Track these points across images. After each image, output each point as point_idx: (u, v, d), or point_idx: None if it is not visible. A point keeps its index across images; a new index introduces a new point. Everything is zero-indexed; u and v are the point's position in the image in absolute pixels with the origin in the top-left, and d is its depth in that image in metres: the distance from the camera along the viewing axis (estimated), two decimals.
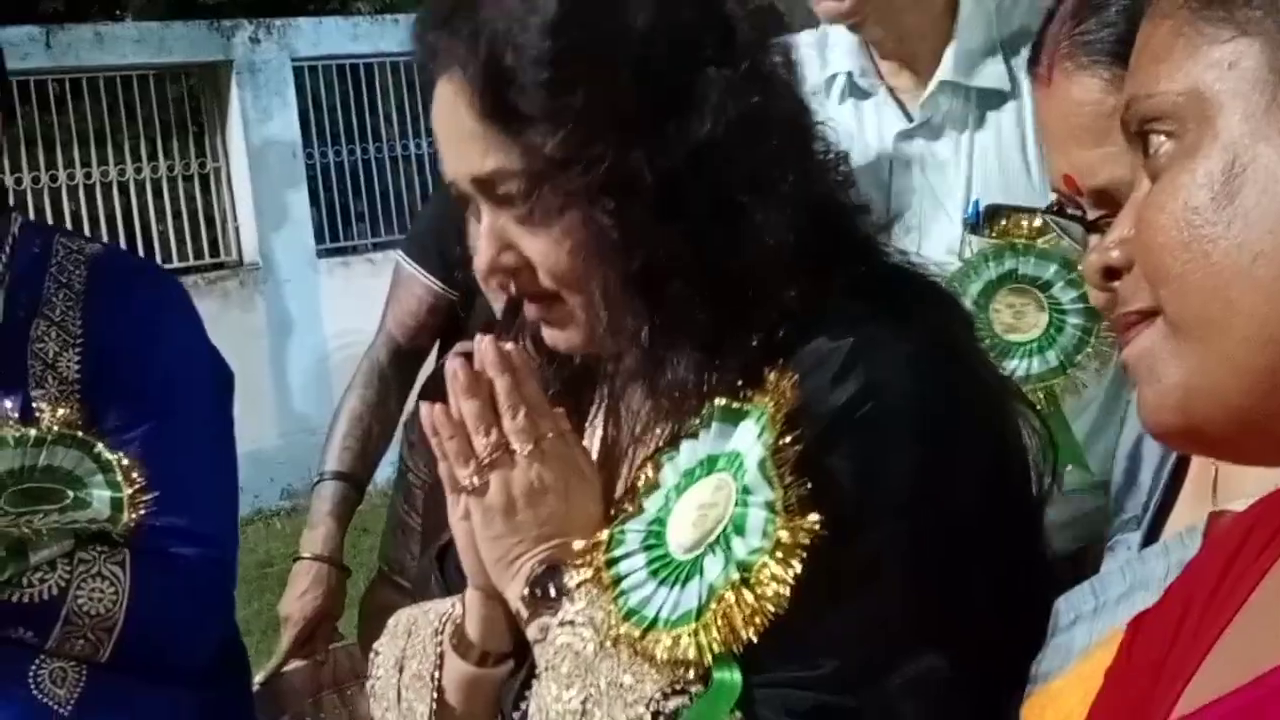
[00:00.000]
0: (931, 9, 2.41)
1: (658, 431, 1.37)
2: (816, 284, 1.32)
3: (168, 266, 9.12)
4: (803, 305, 1.31)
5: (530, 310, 1.39)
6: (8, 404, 1.88)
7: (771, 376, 1.26)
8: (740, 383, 1.29)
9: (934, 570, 1.26)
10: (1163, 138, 0.82)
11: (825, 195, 1.38)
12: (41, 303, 1.94)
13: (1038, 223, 1.90)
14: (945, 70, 2.38)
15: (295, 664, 2.81)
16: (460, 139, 1.35)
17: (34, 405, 1.88)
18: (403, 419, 2.97)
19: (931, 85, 2.40)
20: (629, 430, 1.44)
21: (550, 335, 1.39)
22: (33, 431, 1.84)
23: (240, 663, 2.20)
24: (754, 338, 1.31)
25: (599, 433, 1.49)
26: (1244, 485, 1.16)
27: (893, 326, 1.31)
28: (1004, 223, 1.94)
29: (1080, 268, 1.17)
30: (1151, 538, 1.29)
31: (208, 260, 9.56)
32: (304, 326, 9.58)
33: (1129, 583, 1.23)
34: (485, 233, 1.36)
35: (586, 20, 1.30)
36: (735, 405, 1.28)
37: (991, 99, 2.39)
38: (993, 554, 1.29)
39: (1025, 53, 2.32)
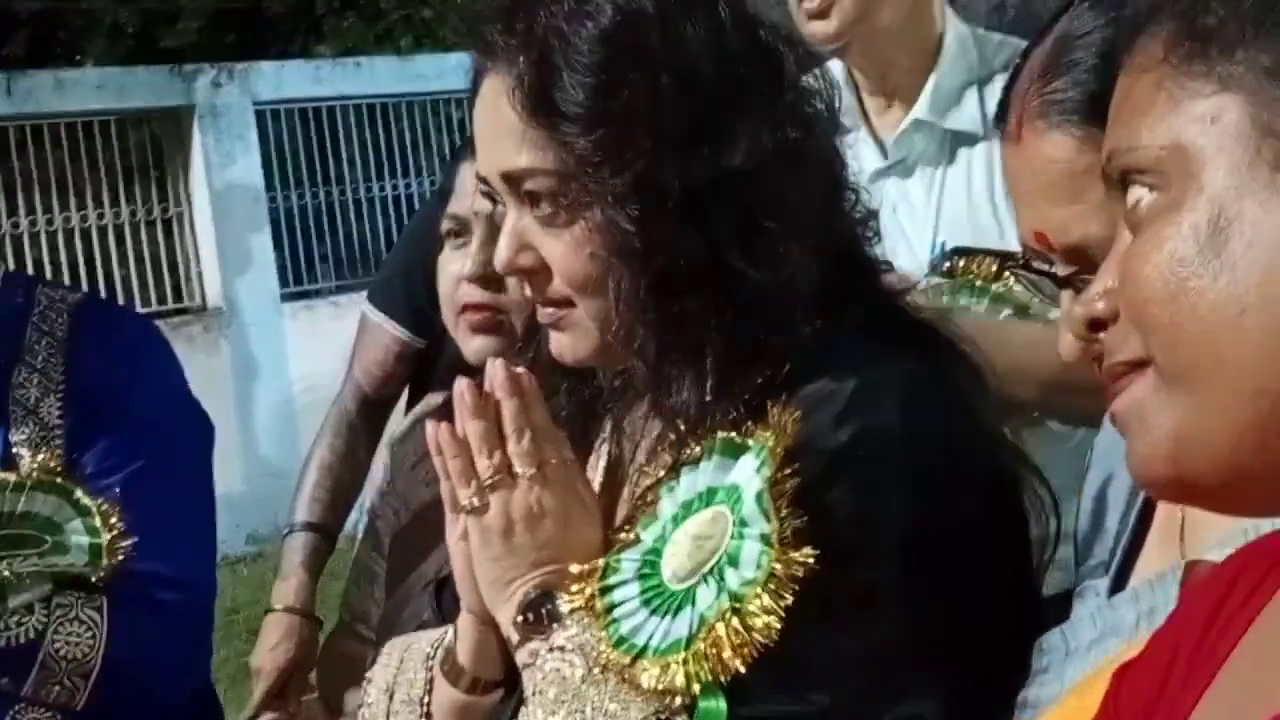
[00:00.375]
0: (918, 43, 2.43)
1: (661, 459, 1.38)
2: (827, 323, 1.34)
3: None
4: (812, 342, 1.33)
5: (543, 314, 1.40)
6: None
7: (774, 411, 1.28)
8: (743, 415, 1.30)
9: (925, 611, 1.27)
10: (1145, 190, 0.83)
11: (848, 241, 1.40)
12: (24, 350, 1.94)
13: (994, 267, 1.91)
14: (920, 109, 2.41)
15: (267, 716, 2.79)
16: (499, 134, 1.37)
17: (14, 450, 1.89)
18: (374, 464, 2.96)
19: (905, 123, 2.43)
20: (633, 455, 1.45)
21: (559, 342, 1.40)
22: (12, 477, 1.85)
23: (214, 711, 2.19)
24: (761, 369, 1.32)
25: (603, 460, 1.50)
26: (1211, 532, 1.17)
27: (898, 372, 1.33)
28: (962, 263, 1.95)
29: (1055, 316, 1.17)
30: (1119, 583, 1.30)
31: (171, 305, 9.53)
32: (268, 370, 9.56)
33: (1100, 629, 1.24)
34: (507, 231, 1.39)
35: (639, 32, 1.33)
36: (737, 438, 1.29)
37: (964, 139, 2.42)
38: (984, 597, 1.30)
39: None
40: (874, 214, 1.45)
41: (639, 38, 1.33)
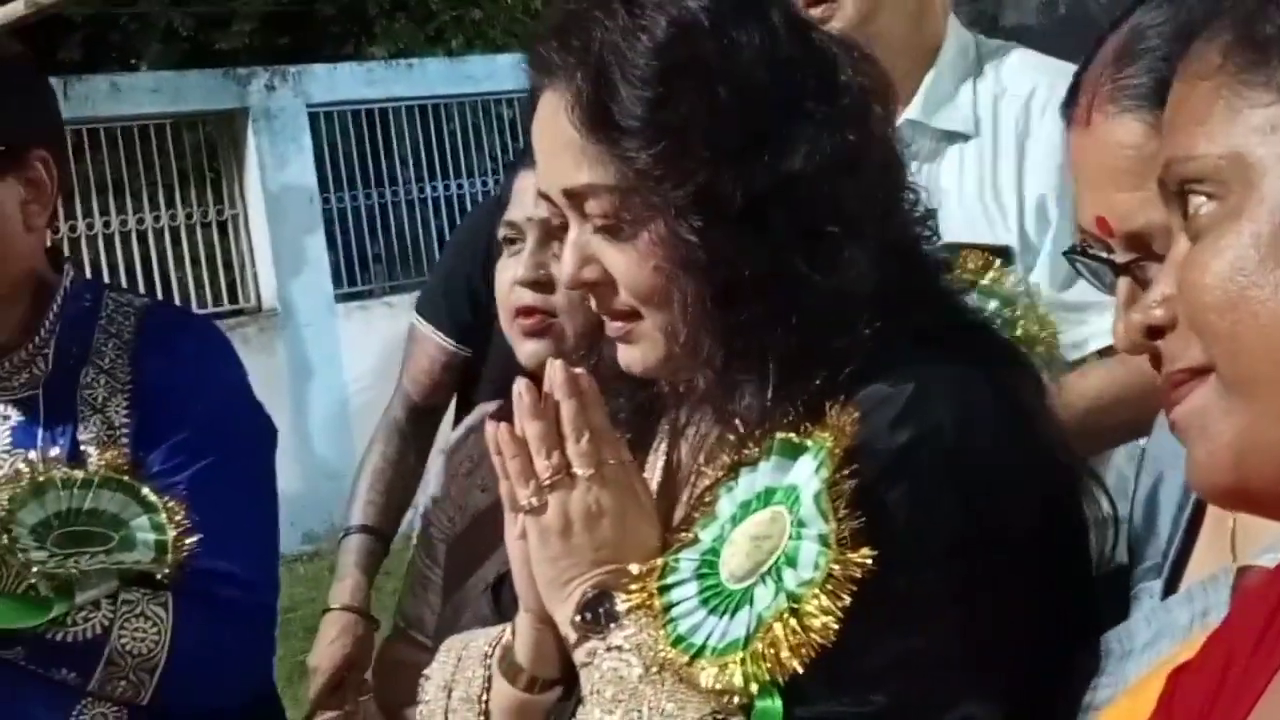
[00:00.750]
0: (919, 49, 2.44)
1: (719, 460, 1.39)
2: (888, 326, 1.34)
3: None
4: (871, 344, 1.33)
5: (611, 328, 1.41)
6: (56, 448, 1.92)
7: (833, 413, 1.28)
8: (802, 416, 1.31)
9: (979, 614, 1.28)
10: (1204, 199, 0.83)
11: (909, 242, 1.41)
12: (91, 352, 1.97)
13: (980, 262, 1.91)
14: (913, 110, 2.42)
15: (324, 715, 2.83)
16: (558, 150, 1.38)
17: (82, 449, 1.92)
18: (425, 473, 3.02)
19: (898, 123, 2.44)
20: (691, 458, 1.46)
21: (626, 354, 1.41)
22: (80, 474, 1.88)
23: (275, 710, 2.22)
24: (821, 372, 1.33)
25: (661, 460, 1.51)
26: (1263, 535, 1.17)
27: (957, 377, 1.33)
28: (954, 258, 1.96)
29: (1118, 325, 1.17)
30: (1172, 585, 1.30)
31: (227, 306, 9.61)
32: (323, 371, 9.62)
33: (1154, 631, 1.24)
34: (570, 246, 1.39)
35: (694, 43, 1.34)
36: (795, 439, 1.30)
37: (956, 138, 2.42)
38: (1040, 601, 1.30)
39: (994, 97, 2.40)
40: (933, 213, 1.45)
41: (693, 49, 1.34)
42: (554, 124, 1.38)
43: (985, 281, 1.89)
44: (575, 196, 1.38)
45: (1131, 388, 2.05)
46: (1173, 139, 0.86)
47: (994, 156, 2.39)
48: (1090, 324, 2.22)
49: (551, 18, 1.42)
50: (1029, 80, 2.40)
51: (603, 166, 1.35)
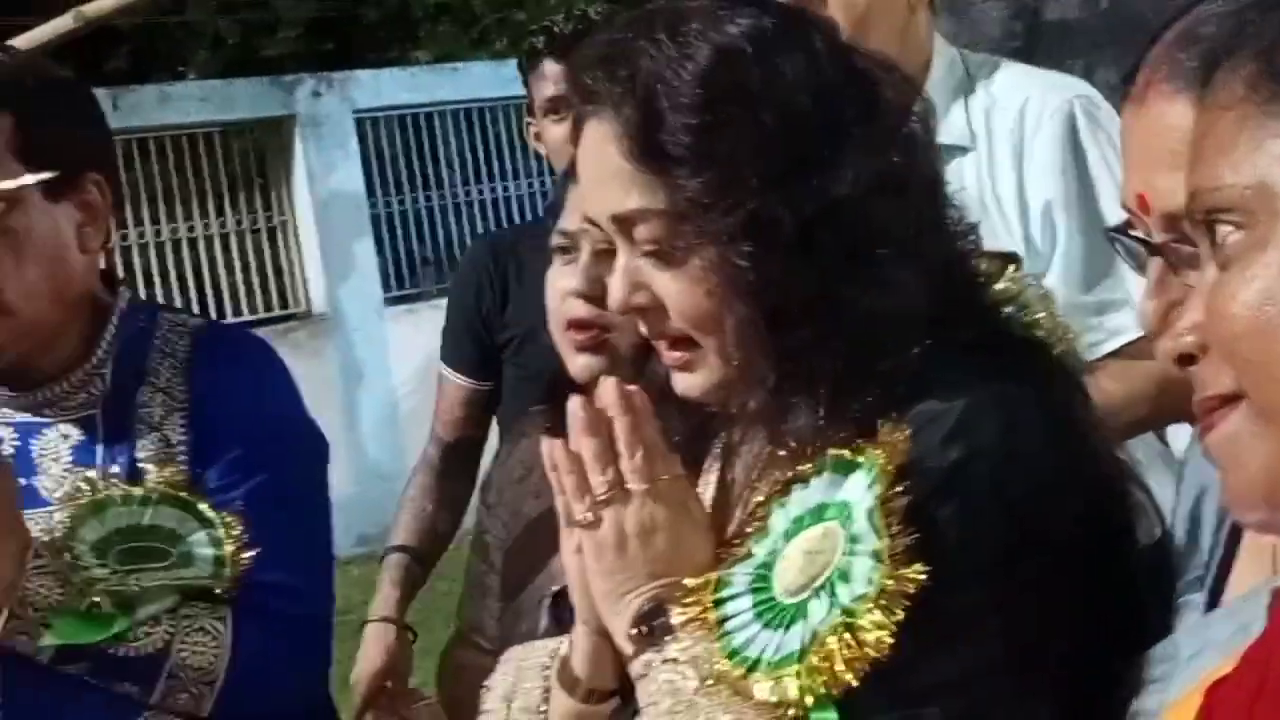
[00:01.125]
0: (907, 66, 2.44)
1: (772, 477, 1.40)
2: (937, 342, 1.35)
3: (238, 319, 9.24)
4: (922, 362, 1.34)
5: (668, 358, 1.43)
6: (116, 466, 1.95)
7: (885, 429, 1.30)
8: (853, 433, 1.32)
9: (1029, 628, 1.29)
10: (1230, 228, 0.83)
11: (954, 258, 1.42)
12: (147, 371, 2.00)
13: (995, 268, 1.92)
14: None
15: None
16: (606, 178, 1.39)
17: (140, 466, 1.94)
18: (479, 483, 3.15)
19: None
20: (744, 474, 1.47)
21: (684, 381, 1.42)
22: (139, 491, 1.91)
23: (330, 716, 2.24)
24: (873, 390, 1.34)
25: (714, 477, 1.52)
26: None
27: (1006, 393, 1.34)
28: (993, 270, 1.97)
29: (1145, 304, 1.17)
30: (1214, 598, 1.30)
31: (277, 312, 9.68)
32: (373, 374, 9.68)
33: (1197, 645, 1.24)
34: (620, 272, 1.41)
35: (738, 70, 1.35)
36: (848, 456, 1.31)
37: (954, 151, 2.43)
38: (1088, 614, 1.31)
39: (986, 110, 2.41)
40: (974, 226, 1.46)
41: (738, 76, 1.35)
42: (601, 152, 1.39)
43: (1000, 286, 1.90)
44: (624, 222, 1.39)
45: (1144, 386, 2.08)
46: (1199, 169, 0.86)
47: (991, 167, 2.41)
48: (1105, 325, 2.24)
49: (595, 46, 1.43)
50: (1020, 92, 2.42)
51: (652, 193, 1.36)
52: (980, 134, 2.42)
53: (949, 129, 2.43)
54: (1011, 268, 1.74)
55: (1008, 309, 1.63)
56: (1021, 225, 2.36)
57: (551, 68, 3.18)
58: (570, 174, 2.21)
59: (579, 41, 3.13)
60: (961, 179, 2.42)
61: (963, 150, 2.44)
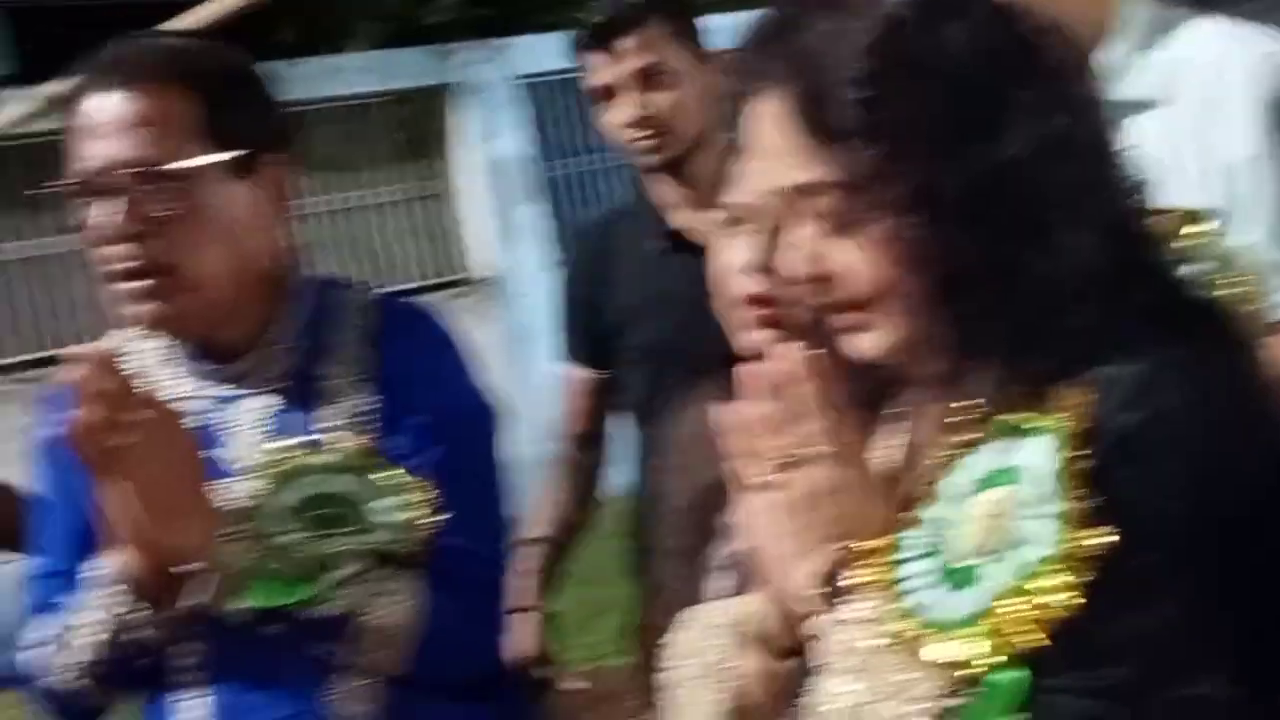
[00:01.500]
0: (1096, 21, 2.40)
1: (948, 441, 1.39)
2: (1113, 306, 1.35)
3: (406, 286, 9.39)
4: (1099, 326, 1.34)
5: (839, 320, 1.43)
6: (305, 435, 2.02)
7: (1065, 393, 1.30)
8: (1031, 399, 1.32)
9: (1209, 592, 1.28)
10: None
11: (1126, 218, 1.41)
12: (333, 343, 2.07)
13: (1176, 225, 1.89)
14: None
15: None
16: (776, 154, 1.41)
17: (329, 435, 2.02)
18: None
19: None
20: (920, 439, 1.48)
21: (857, 343, 1.43)
22: (329, 459, 1.98)
23: (512, 676, 2.30)
24: (1049, 355, 1.34)
25: (889, 443, 1.53)
26: None
27: (1187, 359, 1.33)
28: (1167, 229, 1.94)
29: None
30: None
31: (445, 277, 9.82)
32: (542, 337, 9.76)
33: None
34: (797, 244, 1.42)
35: (903, 42, 1.36)
36: (1025, 420, 1.32)
37: (1136, 107, 2.38)
38: (1266, 584, 1.30)
39: (1175, 64, 2.35)
40: (1145, 185, 1.45)
41: (902, 47, 1.35)
42: (771, 131, 1.41)
43: (1180, 244, 1.88)
44: (800, 195, 1.40)
45: None
46: None
47: (1178, 122, 2.36)
48: None
49: (757, 26, 1.44)
50: (1214, 47, 2.36)
51: (820, 167, 1.38)
52: (1168, 88, 2.38)
53: (1134, 84, 2.40)
54: (1193, 226, 1.72)
55: (1186, 268, 1.62)
56: (1210, 183, 2.32)
57: (595, 58, 3.18)
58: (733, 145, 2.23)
59: (618, 32, 3.24)
60: (1144, 135, 2.38)
61: (1145, 106, 2.41)
